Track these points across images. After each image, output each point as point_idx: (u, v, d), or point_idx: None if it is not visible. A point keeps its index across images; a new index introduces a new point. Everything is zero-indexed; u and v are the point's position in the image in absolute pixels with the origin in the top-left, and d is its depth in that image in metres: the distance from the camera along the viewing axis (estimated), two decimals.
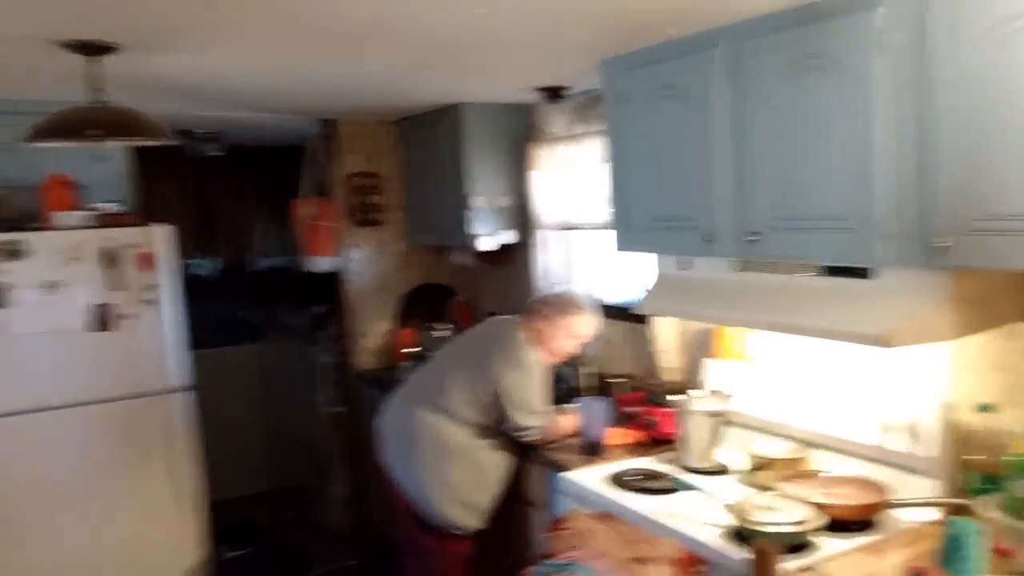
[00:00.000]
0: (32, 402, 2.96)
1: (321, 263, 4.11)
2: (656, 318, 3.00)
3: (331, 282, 4.35)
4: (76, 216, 3.04)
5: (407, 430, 2.73)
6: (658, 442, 2.70)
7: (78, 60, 2.14)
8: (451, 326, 4.10)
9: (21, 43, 2.09)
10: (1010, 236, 1.54)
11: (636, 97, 2.44)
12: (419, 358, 3.71)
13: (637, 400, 2.84)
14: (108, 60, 2.16)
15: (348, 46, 2.33)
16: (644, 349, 3.14)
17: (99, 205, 3.15)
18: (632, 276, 3.24)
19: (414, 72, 2.81)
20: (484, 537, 2.76)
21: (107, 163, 3.30)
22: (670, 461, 2.54)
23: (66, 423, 3.02)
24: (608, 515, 1.28)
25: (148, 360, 3.14)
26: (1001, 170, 1.54)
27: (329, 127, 4.12)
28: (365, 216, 4.18)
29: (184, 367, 3.21)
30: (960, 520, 1.58)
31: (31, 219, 3.04)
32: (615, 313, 3.28)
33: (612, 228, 2.62)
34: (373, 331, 4.29)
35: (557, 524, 1.26)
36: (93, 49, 2.06)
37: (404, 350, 3.99)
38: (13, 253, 2.90)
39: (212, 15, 1.93)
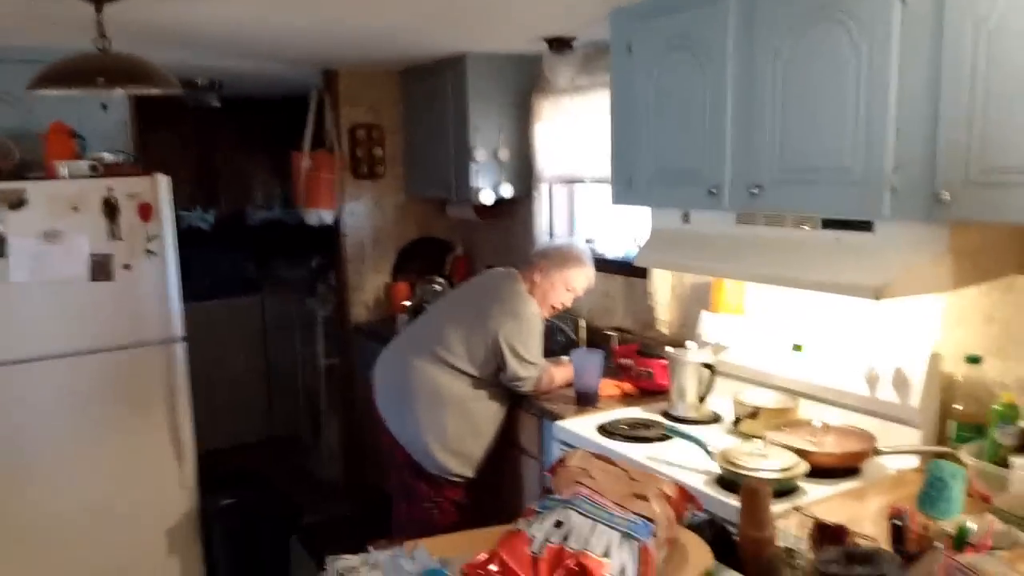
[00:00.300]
0: (32, 351, 2.99)
1: (320, 216, 4.12)
2: (654, 272, 3.04)
3: (329, 235, 4.37)
4: (77, 165, 3.05)
5: (403, 379, 2.77)
6: (652, 393, 2.76)
7: (82, 7, 2.13)
8: (448, 280, 4.14)
9: None
10: (1014, 190, 1.55)
11: (645, 48, 2.43)
12: (416, 311, 3.75)
13: (632, 352, 2.89)
14: (111, 7, 2.15)
15: None
16: (641, 303, 3.19)
17: (100, 155, 3.16)
18: (632, 230, 3.27)
19: (420, 21, 2.80)
20: (477, 484, 2.82)
21: (108, 113, 3.30)
22: (663, 411, 2.60)
23: (66, 371, 3.06)
24: (606, 455, 1.33)
25: (148, 309, 3.17)
26: (1008, 124, 1.55)
27: (331, 78, 4.11)
28: (366, 168, 4.18)
29: (182, 315, 3.25)
30: (943, 463, 1.65)
31: (32, 168, 3.05)
32: (613, 267, 3.32)
33: (612, 181, 2.63)
34: (370, 284, 4.32)
35: (558, 462, 1.32)
36: None
37: (401, 303, 4.04)
38: (14, 202, 2.91)
39: None
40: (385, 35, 3.06)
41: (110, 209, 3.05)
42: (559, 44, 3.13)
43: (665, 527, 1.06)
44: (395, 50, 3.49)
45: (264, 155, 5.51)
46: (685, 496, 1.21)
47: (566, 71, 3.33)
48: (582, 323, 3.38)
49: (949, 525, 1.50)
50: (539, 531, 1.02)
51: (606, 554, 0.98)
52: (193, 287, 3.47)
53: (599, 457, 1.26)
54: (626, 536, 1.01)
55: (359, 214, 4.24)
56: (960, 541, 1.45)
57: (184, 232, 3.35)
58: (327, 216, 4.14)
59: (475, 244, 4.42)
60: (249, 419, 5.22)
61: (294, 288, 5.04)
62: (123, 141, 3.39)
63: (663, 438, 2.36)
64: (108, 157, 3.16)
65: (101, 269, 3.07)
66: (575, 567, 0.93)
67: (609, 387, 2.81)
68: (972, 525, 1.47)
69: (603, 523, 1.02)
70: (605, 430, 2.46)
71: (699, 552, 1.11)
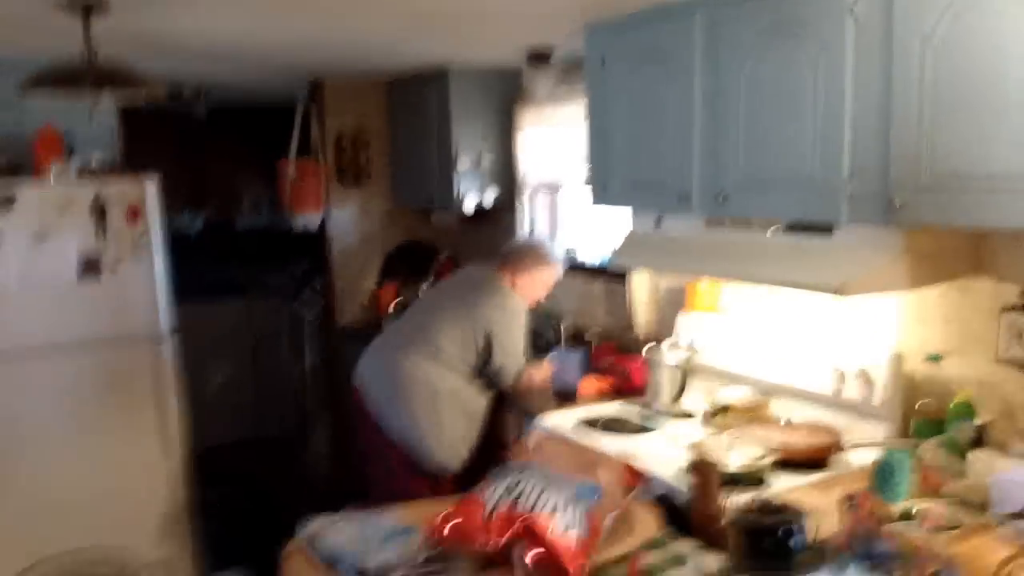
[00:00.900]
0: (21, 349, 3.03)
1: (307, 221, 4.18)
2: (633, 275, 3.12)
3: (316, 240, 4.43)
4: (66, 168, 3.11)
5: (395, 377, 2.81)
6: (630, 391, 2.82)
7: (69, 19, 2.19)
8: (435, 284, 4.19)
9: (15, 2, 2.14)
10: (961, 195, 1.64)
11: (618, 61, 2.51)
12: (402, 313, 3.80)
13: (611, 351, 2.96)
14: (99, 19, 2.21)
15: (338, 7, 2.39)
16: (620, 305, 3.26)
17: (89, 158, 3.21)
18: (612, 235, 3.34)
19: (403, 35, 2.87)
20: (464, 481, 2.87)
21: (97, 118, 3.35)
22: (640, 407, 2.67)
23: (56, 368, 3.09)
24: (562, 437, 1.40)
25: (137, 307, 3.21)
26: (954, 133, 1.63)
27: (317, 87, 4.17)
28: (352, 176, 4.25)
29: (170, 314, 3.30)
30: (891, 451, 1.72)
31: (21, 172, 3.10)
32: (593, 271, 3.39)
33: (589, 186, 2.71)
34: (357, 288, 4.38)
35: (515, 441, 1.38)
36: (86, 8, 2.11)
37: (387, 307, 4.09)
38: (3, 204, 2.97)
39: None
40: (369, 46, 3.13)
41: (99, 211, 3.10)
42: (538, 57, 3.21)
43: (612, 496, 1.12)
44: (380, 61, 3.55)
45: (251, 163, 5.56)
46: (633, 473, 1.28)
47: (545, 82, 3.41)
48: (563, 325, 3.44)
49: (897, 508, 1.57)
50: (492, 496, 1.08)
51: (553, 514, 1.04)
52: (180, 292, 3.52)
53: (555, 438, 1.32)
54: (573, 499, 1.07)
55: (346, 220, 4.30)
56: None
57: (171, 238, 3.40)
58: (313, 221, 4.20)
59: (460, 249, 4.48)
60: (238, 420, 5.25)
61: (281, 293, 5.08)
62: (111, 148, 3.44)
63: (640, 431, 2.42)
64: (97, 160, 3.22)
65: (90, 269, 3.12)
66: (522, 525, 1.00)
67: (589, 385, 2.88)
68: (918, 507, 1.54)
69: (552, 487, 1.08)
70: (585, 423, 2.51)
71: (647, 522, 1.18)
